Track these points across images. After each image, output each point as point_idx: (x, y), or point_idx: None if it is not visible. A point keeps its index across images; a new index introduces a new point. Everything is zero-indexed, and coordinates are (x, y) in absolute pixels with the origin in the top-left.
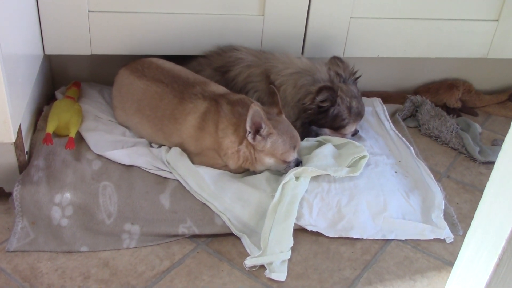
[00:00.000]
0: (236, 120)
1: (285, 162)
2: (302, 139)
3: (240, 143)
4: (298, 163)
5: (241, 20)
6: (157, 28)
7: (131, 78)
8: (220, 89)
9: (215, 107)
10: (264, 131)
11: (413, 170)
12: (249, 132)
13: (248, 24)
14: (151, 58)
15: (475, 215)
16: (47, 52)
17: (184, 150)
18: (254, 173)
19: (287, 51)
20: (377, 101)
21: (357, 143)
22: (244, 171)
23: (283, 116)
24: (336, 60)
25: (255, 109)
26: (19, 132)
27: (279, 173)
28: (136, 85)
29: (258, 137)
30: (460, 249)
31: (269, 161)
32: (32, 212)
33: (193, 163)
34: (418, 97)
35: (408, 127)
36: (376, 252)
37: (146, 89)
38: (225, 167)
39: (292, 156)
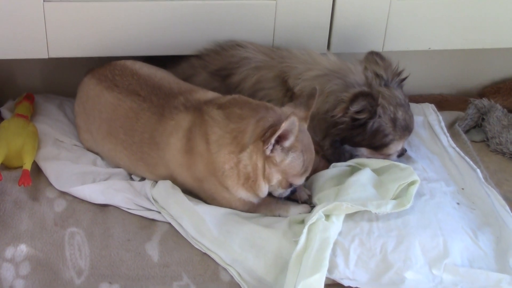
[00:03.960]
0: (235, 126)
1: (289, 185)
2: (330, 163)
3: (241, 151)
4: (293, 191)
5: (246, 7)
6: (135, 21)
7: (98, 88)
8: (209, 94)
9: (201, 117)
10: (287, 143)
11: (481, 200)
12: (271, 144)
13: (256, 12)
14: (124, 61)
15: None
16: None
17: (183, 186)
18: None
19: (309, 47)
20: (429, 108)
21: (402, 165)
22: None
23: (306, 126)
24: (374, 57)
25: (293, 121)
26: None
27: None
28: (104, 98)
29: (277, 147)
30: None
31: (276, 179)
32: None
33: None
34: (485, 101)
35: (473, 141)
36: None
37: (118, 105)
38: (240, 203)
39: (300, 181)
